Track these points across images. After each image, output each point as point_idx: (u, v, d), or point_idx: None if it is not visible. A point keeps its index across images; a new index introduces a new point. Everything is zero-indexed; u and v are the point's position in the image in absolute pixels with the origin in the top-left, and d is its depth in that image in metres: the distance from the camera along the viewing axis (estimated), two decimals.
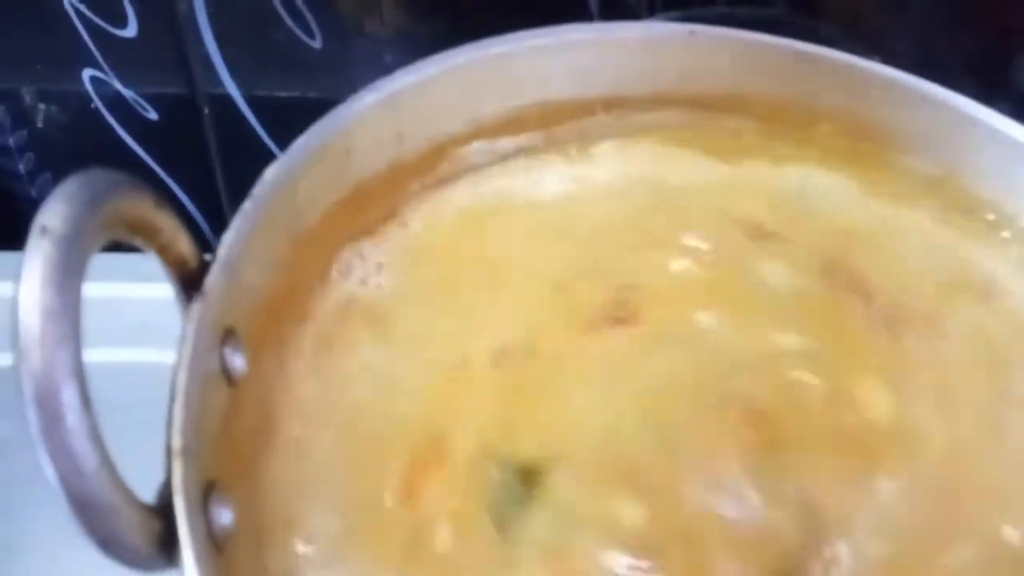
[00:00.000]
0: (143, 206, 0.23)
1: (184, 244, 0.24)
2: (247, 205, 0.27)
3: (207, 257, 0.26)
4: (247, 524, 0.25)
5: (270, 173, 0.28)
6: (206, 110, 0.53)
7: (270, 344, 0.30)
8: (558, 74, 0.39)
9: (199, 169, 0.56)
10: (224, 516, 0.23)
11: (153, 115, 0.54)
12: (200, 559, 0.20)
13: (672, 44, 0.40)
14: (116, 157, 0.55)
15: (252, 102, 0.53)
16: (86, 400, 0.17)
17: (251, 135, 0.54)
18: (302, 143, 0.30)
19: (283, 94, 0.53)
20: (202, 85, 0.52)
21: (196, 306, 0.24)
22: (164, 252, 0.24)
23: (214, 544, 0.22)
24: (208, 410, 0.24)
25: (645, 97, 0.42)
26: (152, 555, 0.20)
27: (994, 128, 0.38)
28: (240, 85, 0.53)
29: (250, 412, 0.28)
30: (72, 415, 0.17)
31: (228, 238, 0.26)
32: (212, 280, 0.25)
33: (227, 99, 0.53)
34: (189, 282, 0.25)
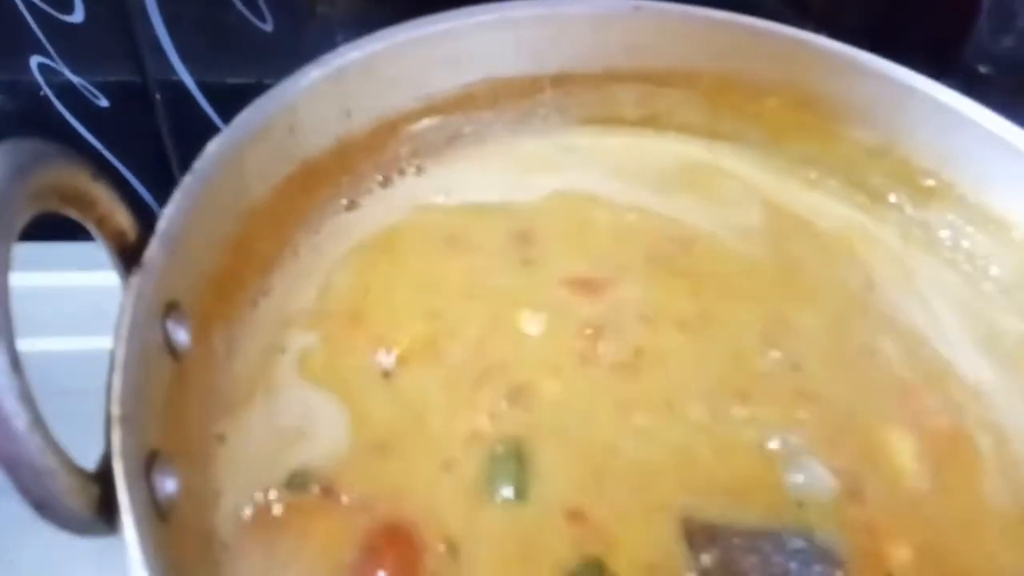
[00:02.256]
0: (77, 177, 0.23)
1: (122, 217, 0.24)
2: (188, 179, 0.27)
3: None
4: (194, 493, 0.26)
5: (212, 148, 0.28)
6: (158, 96, 0.53)
7: (218, 319, 0.30)
8: (506, 50, 0.40)
9: (153, 156, 0.55)
10: (168, 484, 0.23)
11: (104, 102, 0.53)
12: (140, 524, 0.20)
13: (617, 19, 0.40)
14: (68, 145, 0.55)
15: (204, 88, 0.53)
16: (15, 362, 0.17)
17: (204, 121, 0.54)
18: (245, 118, 0.30)
19: (236, 79, 0.53)
20: (153, 71, 0.52)
21: (135, 279, 0.24)
22: (101, 225, 0.24)
23: (157, 511, 0.22)
24: (151, 381, 0.24)
25: (595, 74, 0.42)
26: (92, 520, 0.20)
27: (933, 98, 0.39)
28: (192, 71, 0.52)
29: (198, 385, 0.28)
30: (1, 376, 0.17)
31: (168, 212, 0.26)
32: (151, 253, 0.25)
33: (179, 85, 0.53)
34: (129, 256, 0.25)
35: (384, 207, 0.37)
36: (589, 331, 0.33)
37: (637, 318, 0.34)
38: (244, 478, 0.27)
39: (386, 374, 0.31)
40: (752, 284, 0.36)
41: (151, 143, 0.55)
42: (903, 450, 0.31)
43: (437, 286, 0.34)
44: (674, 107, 0.43)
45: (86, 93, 0.53)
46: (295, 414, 0.29)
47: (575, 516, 0.27)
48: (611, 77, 0.42)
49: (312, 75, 0.33)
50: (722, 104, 0.43)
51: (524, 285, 0.35)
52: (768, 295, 0.36)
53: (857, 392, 0.32)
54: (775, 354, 0.33)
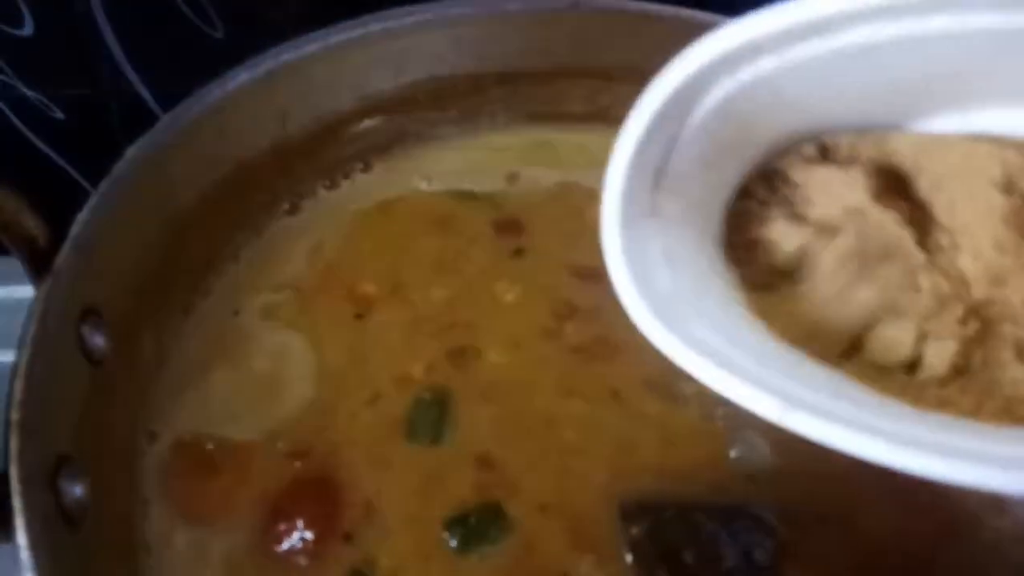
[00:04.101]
0: None
1: (30, 223, 0.24)
2: (105, 184, 0.27)
3: None
4: (116, 498, 0.26)
5: (132, 152, 0.28)
6: (113, 107, 0.53)
7: (147, 324, 0.30)
8: (447, 50, 0.40)
9: (111, 167, 0.55)
10: (76, 490, 0.23)
11: (60, 115, 0.53)
12: (36, 530, 0.20)
13: (558, 16, 0.40)
14: (26, 159, 0.55)
15: (160, 98, 0.53)
16: None
17: None
18: (168, 121, 0.30)
19: (190, 88, 0.53)
20: (107, 82, 0.52)
21: (44, 285, 0.24)
22: (7, 230, 0.24)
23: (66, 517, 0.22)
24: (62, 388, 0.24)
25: (541, 71, 0.42)
26: None
27: None
28: (146, 81, 0.52)
29: (123, 389, 0.28)
30: None
31: (82, 217, 0.26)
32: (63, 258, 0.25)
33: (135, 96, 0.53)
34: (40, 262, 0.25)
35: (328, 209, 0.38)
36: (564, 310, 0.34)
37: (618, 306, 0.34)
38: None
39: None
40: None
41: (109, 154, 0.55)
42: None
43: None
44: (622, 101, 0.43)
45: (41, 107, 0.53)
46: None
47: (484, 463, 0.29)
48: (557, 74, 0.42)
49: (240, 78, 0.33)
50: None
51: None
52: None
53: None
54: None
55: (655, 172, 0.22)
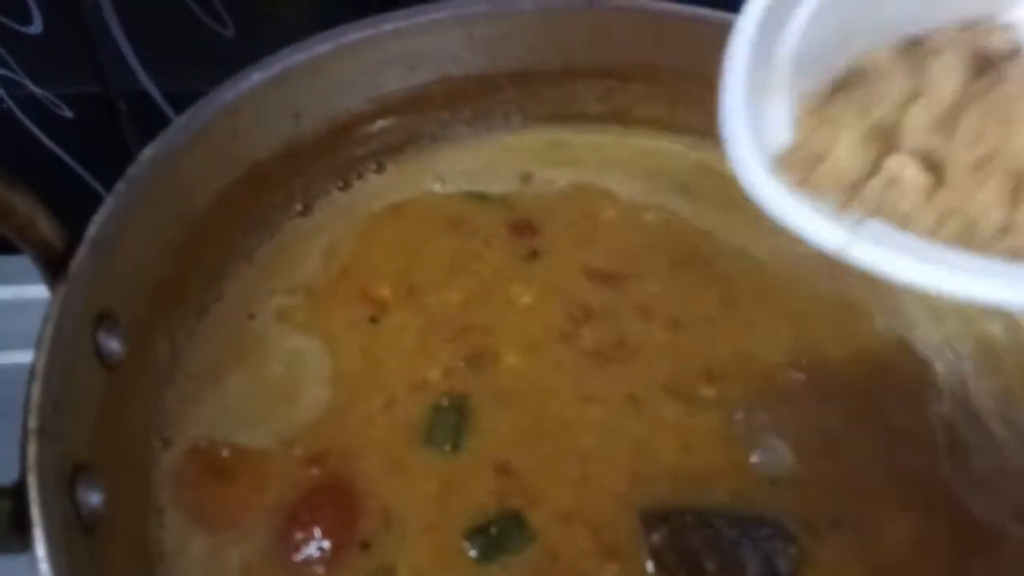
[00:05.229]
0: None
1: (46, 225, 0.24)
2: (120, 186, 0.27)
3: None
4: (131, 505, 0.25)
5: (146, 153, 0.28)
6: (122, 106, 0.53)
7: (161, 327, 0.29)
8: (460, 49, 0.39)
9: (120, 167, 0.55)
10: (93, 498, 0.22)
11: (68, 113, 0.53)
12: (56, 539, 0.20)
13: (572, 15, 0.40)
14: (34, 158, 0.54)
15: (169, 96, 0.53)
16: None
17: None
18: (182, 122, 0.30)
19: (199, 86, 0.52)
20: (115, 80, 0.51)
21: (60, 289, 0.24)
22: (22, 234, 0.23)
23: (82, 525, 0.22)
24: (78, 393, 0.24)
25: (554, 70, 0.42)
26: (3, 536, 0.19)
27: None
28: (154, 79, 0.52)
29: (138, 394, 0.27)
30: None
31: (98, 219, 0.25)
32: (79, 262, 0.24)
33: (143, 94, 0.52)
34: (56, 266, 0.24)
35: (342, 210, 0.37)
36: (580, 313, 0.33)
37: (635, 309, 0.34)
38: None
39: None
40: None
41: (118, 153, 0.54)
42: None
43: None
44: (637, 102, 0.43)
45: (50, 105, 0.52)
46: None
47: (503, 469, 0.28)
48: (572, 73, 0.42)
49: (253, 78, 0.32)
50: (684, 97, 0.42)
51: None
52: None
53: None
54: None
55: (771, 53, 0.24)
